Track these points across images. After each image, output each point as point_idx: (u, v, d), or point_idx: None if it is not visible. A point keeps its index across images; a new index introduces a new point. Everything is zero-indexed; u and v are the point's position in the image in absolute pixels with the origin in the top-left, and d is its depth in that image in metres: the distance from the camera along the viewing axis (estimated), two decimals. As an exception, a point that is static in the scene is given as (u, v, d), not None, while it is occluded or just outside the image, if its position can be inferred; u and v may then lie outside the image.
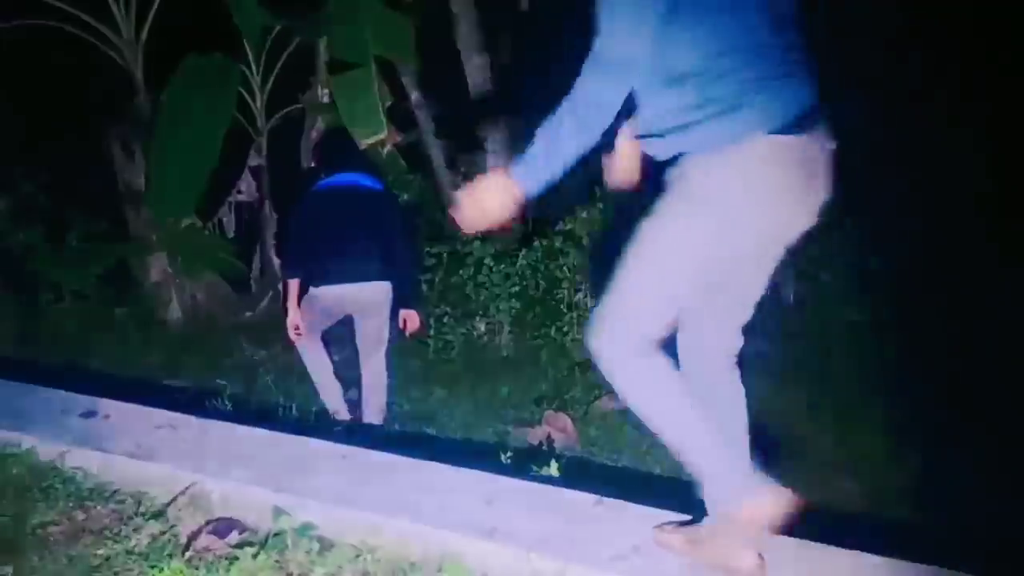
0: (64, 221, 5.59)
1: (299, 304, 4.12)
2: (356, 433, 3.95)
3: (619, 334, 1.93)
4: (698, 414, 1.97)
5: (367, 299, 4.15)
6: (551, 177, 1.89)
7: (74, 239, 5.58)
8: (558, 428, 4.26)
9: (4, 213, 5.44)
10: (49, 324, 5.44)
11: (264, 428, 2.98)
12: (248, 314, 6.01)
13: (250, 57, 5.64)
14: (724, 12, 1.77)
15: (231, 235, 6.17)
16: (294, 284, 4.13)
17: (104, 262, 5.58)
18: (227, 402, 3.89)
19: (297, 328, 4.14)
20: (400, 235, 4.23)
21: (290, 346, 5.47)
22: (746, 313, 2.02)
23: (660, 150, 1.91)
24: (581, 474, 3.11)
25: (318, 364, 4.27)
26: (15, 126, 5.44)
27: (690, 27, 1.76)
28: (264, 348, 5.48)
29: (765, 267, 1.97)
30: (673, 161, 1.87)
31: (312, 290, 4.12)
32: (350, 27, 4.63)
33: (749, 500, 1.93)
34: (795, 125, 1.79)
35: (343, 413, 4.27)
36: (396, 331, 4.32)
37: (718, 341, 2.06)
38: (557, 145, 1.86)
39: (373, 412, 4.28)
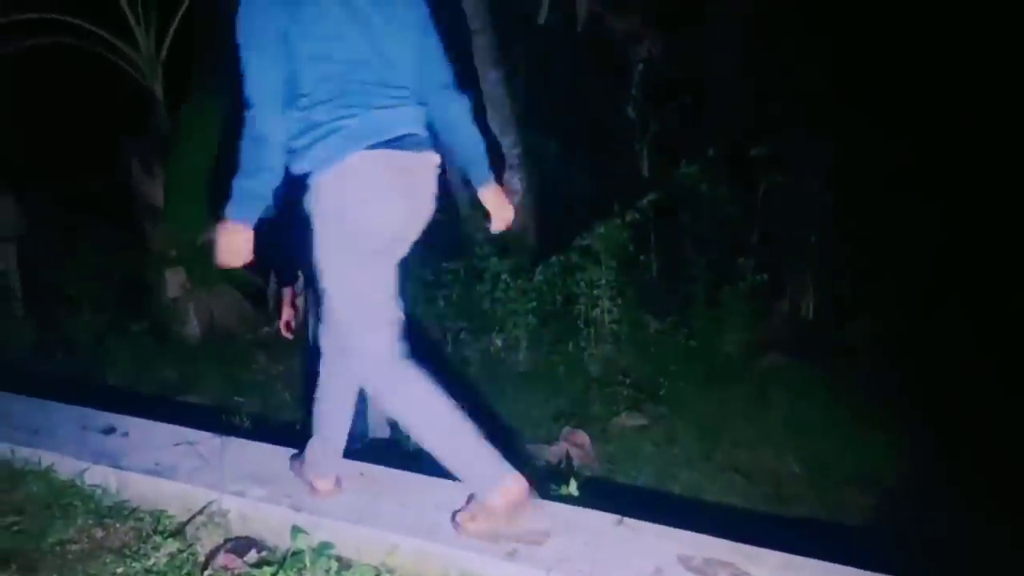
0: (83, 234, 5.62)
1: (293, 303, 4.08)
2: (372, 448, 3.94)
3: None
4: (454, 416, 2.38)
5: None
6: (261, 206, 2.21)
7: (92, 252, 5.60)
8: (576, 445, 4.23)
9: (23, 226, 5.47)
10: (66, 337, 5.46)
11: (282, 446, 2.97)
12: (265, 329, 6.01)
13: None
14: (330, 54, 2.14)
15: (250, 249, 6.16)
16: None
17: (122, 276, 5.60)
18: (244, 419, 3.88)
19: (288, 325, 4.08)
20: None
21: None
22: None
23: (295, 169, 2.21)
24: (600, 493, 3.08)
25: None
26: (35, 140, 5.48)
27: (302, 60, 2.12)
28: (281, 363, 5.48)
29: (393, 265, 2.35)
30: (305, 179, 2.19)
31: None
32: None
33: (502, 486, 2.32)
34: (390, 142, 2.16)
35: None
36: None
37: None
38: (249, 181, 2.16)
39: (379, 422, 4.25)
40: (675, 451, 4.27)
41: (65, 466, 2.89)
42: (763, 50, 6.04)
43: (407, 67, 2.27)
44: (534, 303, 5.32)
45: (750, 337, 5.30)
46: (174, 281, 5.75)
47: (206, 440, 3.03)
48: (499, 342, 5.46)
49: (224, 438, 3.03)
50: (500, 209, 2.62)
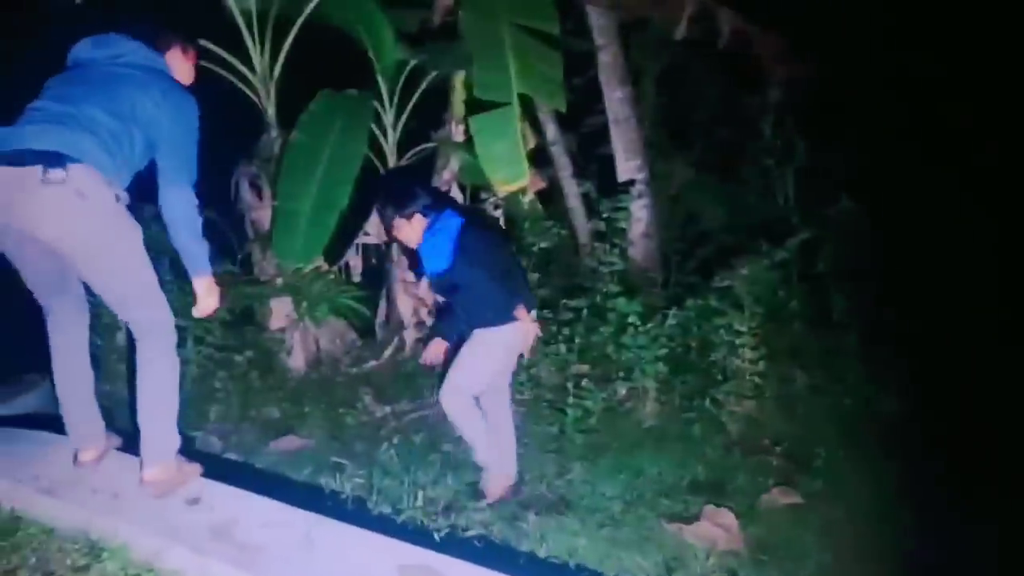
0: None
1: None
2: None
3: None
4: None
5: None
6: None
7: (199, 281, 5.36)
8: (721, 526, 3.64)
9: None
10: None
11: (387, 535, 2.52)
12: (372, 363, 5.66)
13: (383, 93, 5.33)
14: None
15: (357, 279, 5.85)
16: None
17: (227, 306, 5.33)
18: (345, 484, 3.47)
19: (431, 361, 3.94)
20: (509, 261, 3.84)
21: (414, 403, 5.15)
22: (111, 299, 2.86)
23: None
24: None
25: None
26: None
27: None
28: (386, 404, 5.11)
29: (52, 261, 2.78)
30: None
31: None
32: (492, 62, 4.20)
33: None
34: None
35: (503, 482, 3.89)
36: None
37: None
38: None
39: (496, 483, 3.83)
40: (840, 541, 3.62)
41: (142, 543, 2.53)
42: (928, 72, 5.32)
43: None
44: (665, 350, 4.75)
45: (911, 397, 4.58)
46: (280, 311, 5.46)
47: (299, 523, 2.61)
48: (623, 391, 4.92)
49: (319, 520, 2.61)
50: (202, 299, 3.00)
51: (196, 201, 2.84)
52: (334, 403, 5.12)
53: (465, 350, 3.71)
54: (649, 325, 4.99)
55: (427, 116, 5.67)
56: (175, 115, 2.77)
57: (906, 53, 5.95)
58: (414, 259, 3.86)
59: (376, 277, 5.80)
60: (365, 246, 5.83)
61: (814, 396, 4.65)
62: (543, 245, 5.43)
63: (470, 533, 3.35)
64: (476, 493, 3.81)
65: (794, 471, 4.13)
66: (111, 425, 3.19)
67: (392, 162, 5.48)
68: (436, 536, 3.18)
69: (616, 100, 6.15)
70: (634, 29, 6.16)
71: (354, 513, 3.25)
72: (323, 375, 5.54)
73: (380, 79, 5.34)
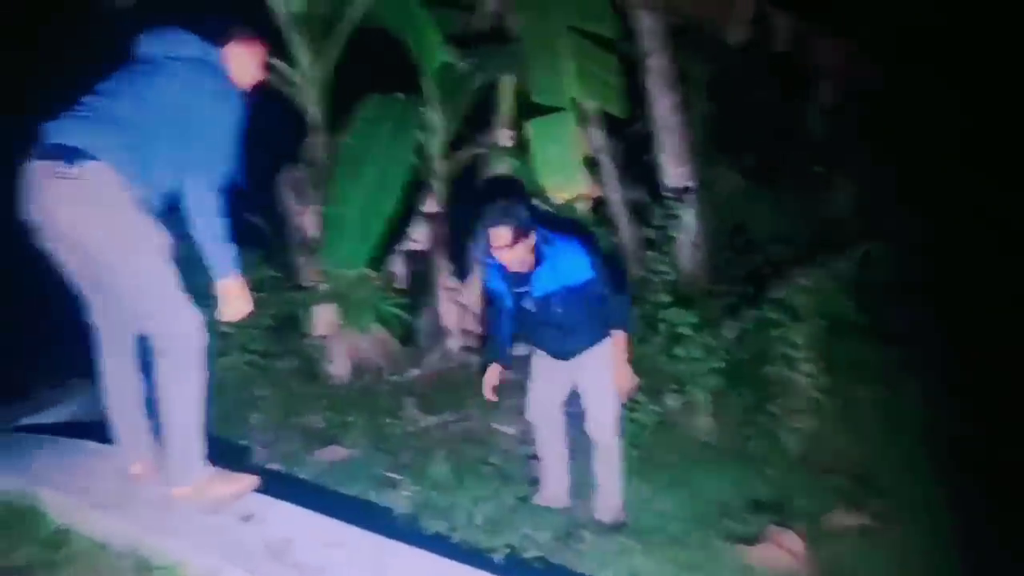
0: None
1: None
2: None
3: None
4: None
5: (582, 366, 3.73)
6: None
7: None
8: (786, 549, 3.48)
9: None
10: (213, 378, 5.14)
11: (441, 555, 2.40)
12: (415, 372, 5.55)
13: (431, 97, 5.22)
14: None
15: (402, 286, 5.75)
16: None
17: (271, 312, 5.26)
18: (404, 495, 3.36)
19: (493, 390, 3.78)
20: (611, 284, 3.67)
21: (458, 414, 5.03)
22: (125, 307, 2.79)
23: None
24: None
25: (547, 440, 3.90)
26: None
27: None
28: (430, 414, 5.00)
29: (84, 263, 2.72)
30: None
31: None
32: (548, 66, 4.09)
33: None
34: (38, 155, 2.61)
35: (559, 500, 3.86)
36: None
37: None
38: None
39: (606, 509, 3.80)
40: (911, 566, 3.45)
41: (198, 563, 2.43)
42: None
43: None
44: (720, 362, 4.59)
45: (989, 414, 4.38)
46: (323, 318, 5.37)
47: (360, 542, 2.50)
48: (677, 405, 4.76)
49: (380, 541, 2.49)
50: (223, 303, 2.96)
51: (216, 200, 2.74)
52: (377, 412, 5.02)
53: (598, 378, 3.69)
54: (702, 336, 4.86)
55: (474, 121, 5.57)
56: (209, 109, 2.70)
57: (965, 58, 5.77)
58: (513, 278, 3.57)
59: (421, 285, 5.70)
60: (409, 252, 5.73)
61: (878, 412, 4.47)
62: (592, 252, 5.29)
63: (529, 555, 3.22)
64: (531, 509, 3.71)
65: (859, 491, 3.96)
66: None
67: (438, 167, 5.36)
68: (495, 559, 3.05)
69: (665, 106, 6.00)
70: (684, 33, 6.01)
71: (406, 531, 3.13)
72: (366, 384, 5.44)
73: (426, 82, 5.24)
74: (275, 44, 5.13)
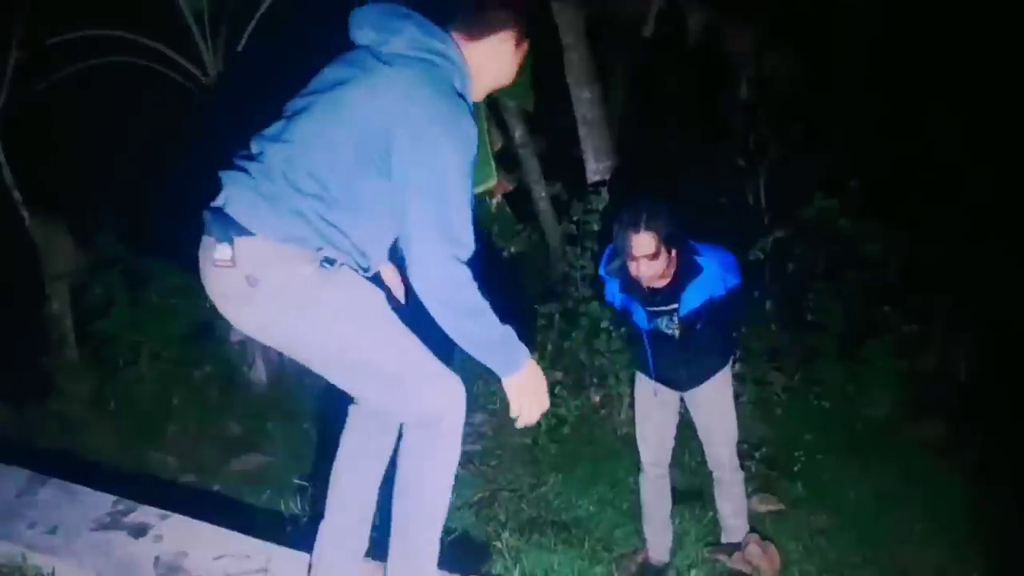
0: (147, 274, 5.14)
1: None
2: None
3: None
4: None
5: (705, 396, 3.29)
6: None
7: (157, 294, 5.12)
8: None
9: (81, 266, 5.03)
10: (124, 386, 4.99)
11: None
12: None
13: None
14: None
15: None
16: None
17: (185, 319, 5.11)
18: (305, 506, 3.29)
19: None
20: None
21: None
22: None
23: None
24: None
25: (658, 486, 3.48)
26: (93, 171, 5.03)
27: None
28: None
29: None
30: None
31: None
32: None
33: None
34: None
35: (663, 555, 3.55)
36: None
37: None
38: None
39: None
40: (823, 549, 3.50)
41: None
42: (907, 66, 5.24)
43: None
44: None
45: (895, 399, 4.48)
46: (241, 323, 5.24)
47: (258, 551, 2.42)
48: (598, 398, 4.78)
49: (280, 550, 2.42)
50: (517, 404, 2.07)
51: (461, 269, 1.85)
52: (299, 418, 4.93)
53: (723, 409, 3.28)
54: (622, 329, 4.87)
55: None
56: (429, 141, 1.80)
57: (883, 46, 5.89)
58: (644, 295, 3.06)
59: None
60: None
61: (792, 399, 4.54)
62: (513, 250, 5.29)
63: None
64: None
65: (775, 478, 4.01)
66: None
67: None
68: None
69: (585, 100, 6.00)
70: (602, 27, 6.02)
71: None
72: (288, 389, 5.34)
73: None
74: (181, 45, 5.02)
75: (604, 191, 5.71)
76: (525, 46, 2.04)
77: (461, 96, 1.90)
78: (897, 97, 5.41)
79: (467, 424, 4.16)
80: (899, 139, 5.06)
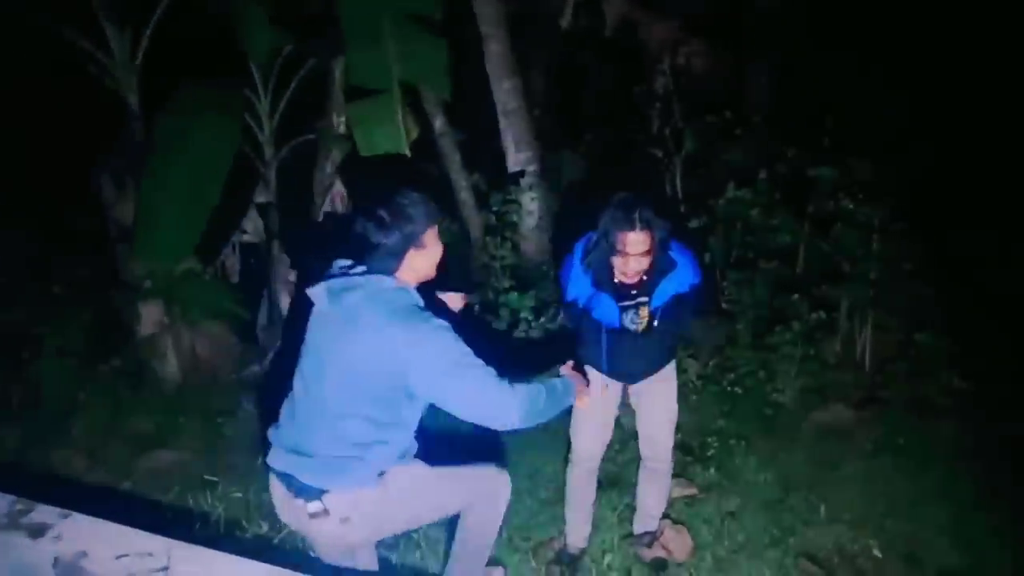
0: (47, 266, 4.94)
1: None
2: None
3: None
4: None
5: (655, 386, 3.33)
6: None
7: (58, 286, 4.93)
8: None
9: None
10: (31, 383, 4.79)
11: (263, 560, 2.29)
12: (255, 368, 5.35)
13: (257, 81, 5.00)
14: None
15: (235, 280, 5.51)
16: None
17: (92, 312, 4.93)
18: (218, 503, 3.21)
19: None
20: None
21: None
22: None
23: None
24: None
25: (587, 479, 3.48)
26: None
27: None
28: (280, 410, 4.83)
29: None
30: None
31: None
32: (370, 47, 3.98)
33: None
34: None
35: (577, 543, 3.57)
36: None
37: None
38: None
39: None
40: (733, 532, 3.60)
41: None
42: (815, 62, 5.39)
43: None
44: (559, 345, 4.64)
45: (804, 385, 4.62)
46: (150, 316, 5.07)
47: (161, 549, 2.35)
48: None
49: (181, 547, 2.35)
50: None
51: (506, 396, 2.39)
52: (212, 413, 4.82)
53: (667, 400, 3.33)
54: (542, 319, 4.92)
55: (308, 106, 5.39)
56: (420, 360, 2.32)
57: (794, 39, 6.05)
58: (617, 289, 3.06)
59: (256, 278, 5.48)
60: (243, 245, 5.50)
61: (705, 386, 4.64)
62: (432, 240, 5.24)
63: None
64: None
65: (689, 463, 4.09)
66: None
67: (268, 155, 5.16)
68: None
69: (505, 90, 6.00)
70: (522, 17, 6.03)
71: (226, 536, 2.99)
72: (200, 384, 5.20)
73: (252, 65, 5.01)
74: (90, 29, 4.81)
75: (523, 181, 5.75)
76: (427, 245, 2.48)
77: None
78: (808, 89, 5.55)
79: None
80: (808, 130, 5.19)
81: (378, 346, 2.31)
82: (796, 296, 4.73)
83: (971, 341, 4.55)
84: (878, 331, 4.86)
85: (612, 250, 2.94)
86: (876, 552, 3.50)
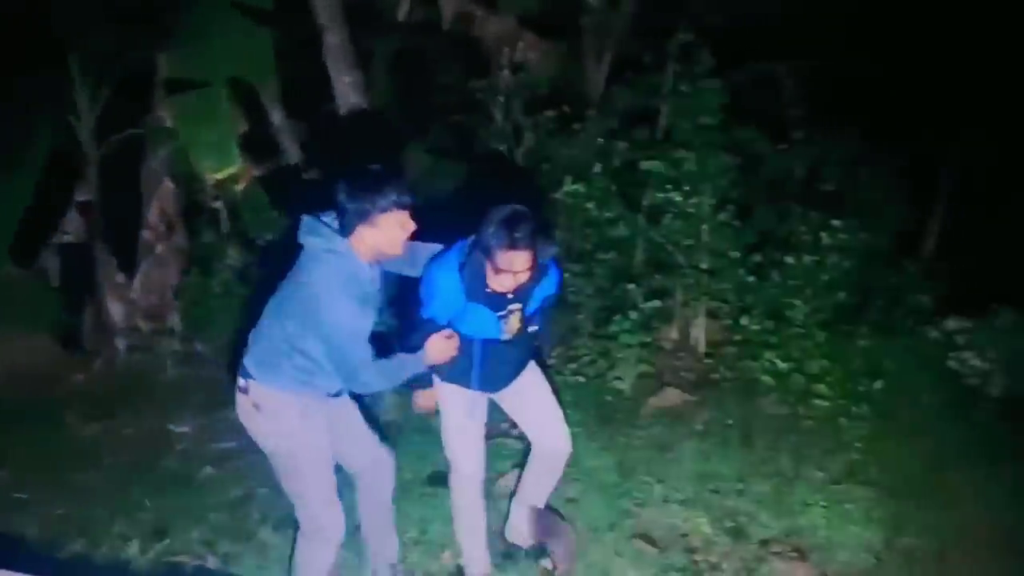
0: None
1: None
2: None
3: None
4: None
5: (527, 381, 3.30)
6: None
7: None
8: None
9: None
10: None
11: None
12: (80, 376, 5.05)
13: (74, 72, 4.69)
14: None
15: (56, 284, 5.18)
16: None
17: None
18: (29, 523, 3.00)
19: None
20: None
21: (129, 417, 4.62)
22: None
23: None
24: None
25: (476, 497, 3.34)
26: None
27: None
28: (97, 422, 4.57)
29: None
30: None
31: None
32: (193, 41, 3.81)
33: None
34: None
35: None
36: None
37: None
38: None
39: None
40: (573, 518, 3.69)
41: None
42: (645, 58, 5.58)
43: None
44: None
45: (642, 371, 4.80)
46: (-40, 324, 4.70)
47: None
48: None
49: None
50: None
51: (364, 371, 2.73)
52: (33, 426, 4.50)
53: (543, 389, 3.32)
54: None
55: (132, 99, 5.11)
56: (323, 312, 2.62)
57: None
58: (492, 300, 2.94)
59: (79, 281, 5.16)
60: (64, 246, 5.17)
61: (552, 375, 4.73)
62: (268, 237, 5.11)
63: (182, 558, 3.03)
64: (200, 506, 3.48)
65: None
66: None
67: (90, 150, 4.85)
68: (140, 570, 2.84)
69: (345, 84, 5.92)
70: (359, 9, 5.94)
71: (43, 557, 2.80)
72: (20, 395, 4.85)
73: (72, 59, 4.70)
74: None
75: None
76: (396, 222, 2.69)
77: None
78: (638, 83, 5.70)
79: (223, 420, 4.02)
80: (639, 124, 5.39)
81: (306, 285, 2.66)
82: (633, 286, 4.90)
83: (790, 324, 4.82)
84: (709, 318, 5.11)
85: (492, 265, 2.82)
86: (705, 528, 3.68)
